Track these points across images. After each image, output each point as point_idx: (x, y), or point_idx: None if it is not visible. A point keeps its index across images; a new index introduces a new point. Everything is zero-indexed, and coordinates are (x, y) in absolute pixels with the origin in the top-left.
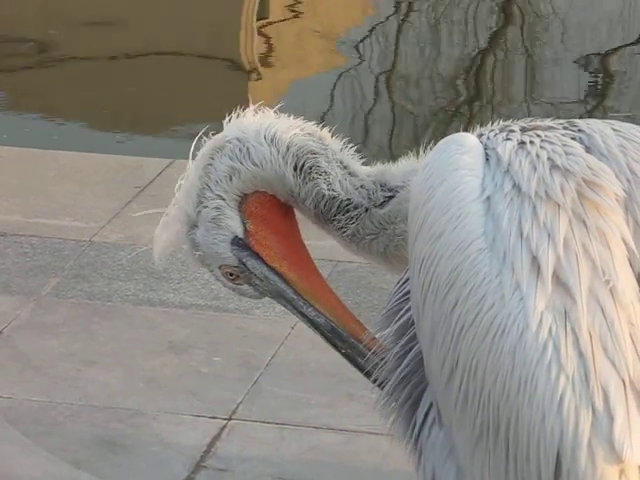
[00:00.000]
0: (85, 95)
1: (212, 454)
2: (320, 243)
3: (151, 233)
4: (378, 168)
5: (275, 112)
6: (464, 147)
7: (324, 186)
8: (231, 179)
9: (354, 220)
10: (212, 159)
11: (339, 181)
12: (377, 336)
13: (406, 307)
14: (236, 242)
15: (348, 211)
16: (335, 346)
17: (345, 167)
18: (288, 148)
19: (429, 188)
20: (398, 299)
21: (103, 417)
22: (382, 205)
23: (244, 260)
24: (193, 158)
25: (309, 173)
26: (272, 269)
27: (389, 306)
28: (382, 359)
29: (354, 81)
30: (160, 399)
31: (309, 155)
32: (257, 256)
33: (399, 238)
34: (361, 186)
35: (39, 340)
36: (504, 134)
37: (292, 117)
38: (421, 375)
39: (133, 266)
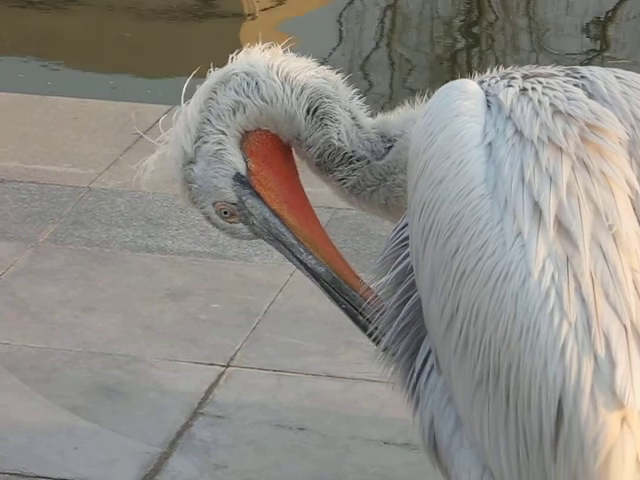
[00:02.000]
0: (80, 40)
1: (210, 401)
2: (319, 190)
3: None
4: (379, 119)
5: (284, 50)
6: (466, 93)
7: (335, 135)
8: (234, 114)
9: (355, 172)
10: (215, 92)
11: (347, 132)
12: (374, 284)
13: (404, 253)
14: (238, 179)
15: (351, 163)
16: (334, 299)
17: (354, 118)
18: (303, 89)
19: (430, 134)
20: (396, 245)
21: (101, 363)
22: (382, 156)
23: (244, 198)
24: (186, 99)
25: (322, 119)
26: (272, 211)
27: (386, 252)
28: (380, 312)
29: (353, 22)
30: (158, 346)
31: (324, 99)
32: (258, 196)
33: (399, 189)
34: (366, 139)
35: (37, 286)
36: (505, 81)
37: (303, 57)
38: (420, 325)
39: (131, 212)
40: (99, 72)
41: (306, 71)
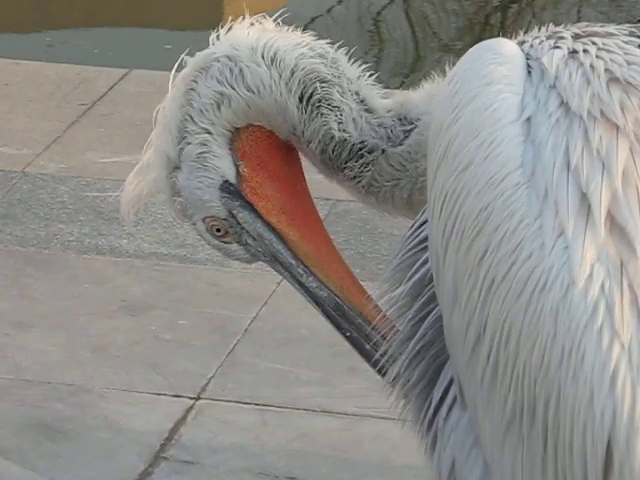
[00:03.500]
0: None
1: (175, 442)
2: (315, 177)
3: (100, 161)
4: (397, 99)
5: (277, 23)
6: (501, 56)
7: (334, 125)
8: (219, 108)
9: (369, 166)
10: (195, 82)
11: (353, 119)
12: (386, 297)
13: (422, 258)
14: (226, 188)
15: (362, 156)
16: (338, 327)
17: (362, 101)
18: (293, 72)
19: (455, 107)
20: (412, 248)
21: (38, 395)
22: (401, 142)
23: (234, 212)
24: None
25: (318, 107)
26: (268, 225)
27: (401, 257)
28: (392, 336)
29: None
30: (110, 373)
31: (319, 84)
32: (251, 207)
33: (423, 179)
34: (379, 125)
35: None
36: (552, 41)
37: (297, 30)
38: (440, 346)
39: (77, 204)
40: (34, 28)
41: (297, 49)
